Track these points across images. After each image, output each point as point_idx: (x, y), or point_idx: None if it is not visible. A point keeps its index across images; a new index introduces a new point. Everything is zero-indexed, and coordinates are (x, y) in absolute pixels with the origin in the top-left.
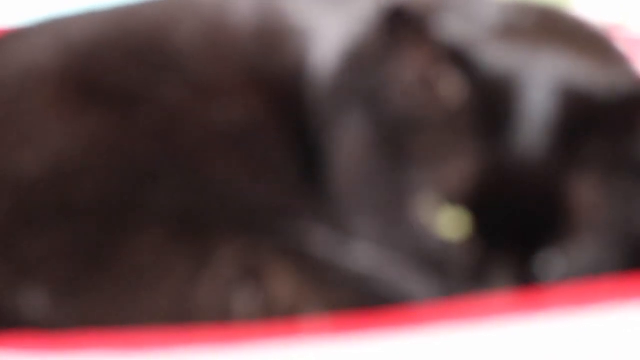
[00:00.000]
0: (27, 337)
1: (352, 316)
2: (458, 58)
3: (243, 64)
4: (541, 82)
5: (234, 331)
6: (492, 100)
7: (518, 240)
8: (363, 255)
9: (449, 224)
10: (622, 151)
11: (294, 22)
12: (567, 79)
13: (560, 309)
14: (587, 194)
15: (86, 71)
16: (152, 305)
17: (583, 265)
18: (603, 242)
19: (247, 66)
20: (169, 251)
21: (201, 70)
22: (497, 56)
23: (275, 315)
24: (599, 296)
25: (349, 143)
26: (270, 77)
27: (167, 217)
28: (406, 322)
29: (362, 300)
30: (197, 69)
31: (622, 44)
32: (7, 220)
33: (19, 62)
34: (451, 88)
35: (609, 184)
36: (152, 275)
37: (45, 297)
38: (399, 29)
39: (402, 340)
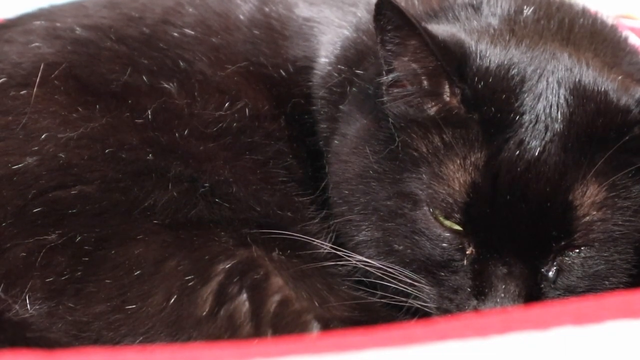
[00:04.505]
0: (22, 354)
1: (352, 332)
2: (459, 57)
3: (235, 59)
4: (549, 83)
5: (235, 346)
6: (493, 102)
7: (523, 251)
8: (358, 261)
9: (452, 232)
10: (633, 159)
11: (297, 17)
12: (577, 81)
13: (566, 326)
14: (591, 201)
15: (86, 64)
16: (147, 312)
17: (591, 274)
18: (611, 252)
19: (240, 62)
20: (167, 258)
21: (191, 65)
22: (501, 56)
23: (274, 324)
24: (604, 313)
25: (344, 144)
26: (265, 74)
27: (166, 222)
28: (406, 339)
29: (355, 308)
30: (188, 64)
31: (632, 35)
32: None
33: (15, 53)
34: (450, 88)
35: (616, 193)
36: (148, 282)
37: (38, 303)
38: (401, 23)
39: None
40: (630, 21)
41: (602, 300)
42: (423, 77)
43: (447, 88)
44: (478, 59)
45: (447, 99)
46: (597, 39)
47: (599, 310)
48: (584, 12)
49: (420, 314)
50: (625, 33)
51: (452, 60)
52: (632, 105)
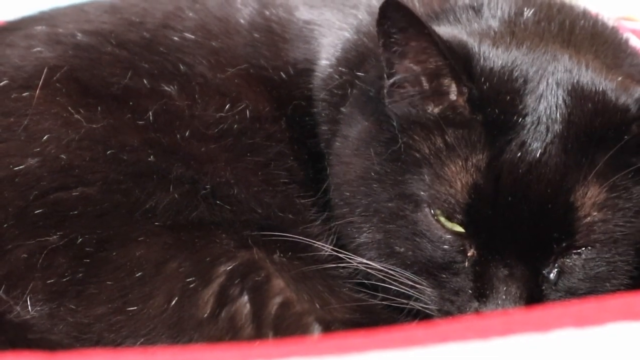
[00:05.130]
0: (24, 356)
1: (353, 334)
2: (463, 59)
3: (235, 62)
4: (550, 85)
5: (237, 348)
6: (495, 104)
7: (525, 253)
8: (359, 263)
9: (445, 233)
10: (634, 161)
11: (298, 20)
12: (577, 83)
13: (568, 328)
14: (592, 202)
15: (87, 67)
16: (149, 314)
17: (592, 275)
18: (612, 253)
19: (240, 64)
20: (168, 260)
21: (192, 68)
22: (503, 58)
23: (276, 326)
24: (606, 315)
25: (346, 146)
26: (266, 76)
27: (167, 224)
28: (408, 341)
29: (356, 310)
30: (188, 67)
31: (632, 37)
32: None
33: (17, 57)
34: (453, 89)
35: (616, 194)
36: (150, 284)
37: (39, 304)
38: (404, 24)
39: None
40: (631, 23)
41: (603, 302)
42: (427, 78)
43: (453, 87)
44: (482, 60)
45: (453, 98)
46: (598, 41)
47: (600, 312)
48: (585, 14)
49: (421, 316)
50: (626, 35)
51: (459, 60)
52: (631, 105)
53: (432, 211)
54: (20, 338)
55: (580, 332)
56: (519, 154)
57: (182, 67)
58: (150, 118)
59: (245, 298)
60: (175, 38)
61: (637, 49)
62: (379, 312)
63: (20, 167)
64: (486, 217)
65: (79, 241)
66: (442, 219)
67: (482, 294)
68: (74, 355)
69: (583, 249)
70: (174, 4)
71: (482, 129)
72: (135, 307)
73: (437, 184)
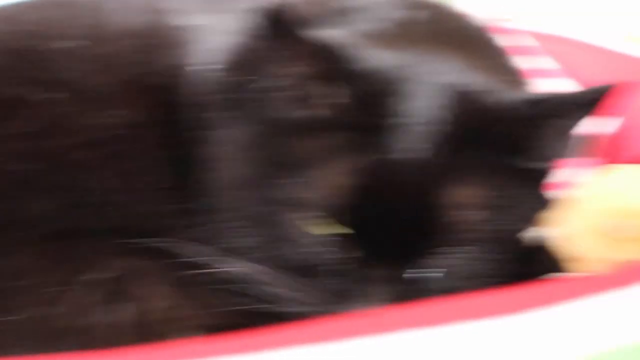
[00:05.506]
0: None
1: (229, 336)
2: (337, 61)
3: (123, 68)
4: (425, 86)
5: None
6: (372, 105)
7: (396, 251)
8: (240, 267)
9: (325, 235)
10: (505, 159)
11: (176, 25)
12: (451, 84)
13: (440, 324)
14: (467, 202)
15: None
16: (23, 325)
17: (460, 272)
18: (480, 251)
19: (128, 70)
20: (39, 269)
21: (80, 75)
22: (379, 59)
23: (149, 330)
24: (478, 311)
25: (226, 150)
26: (151, 82)
27: (40, 234)
28: (282, 341)
29: (238, 314)
30: (76, 73)
31: (506, 39)
32: None
33: None
34: (330, 92)
35: (490, 193)
36: (26, 294)
37: None
38: (278, 30)
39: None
40: (505, 22)
41: (457, 301)
42: (306, 82)
43: (332, 90)
44: (361, 62)
45: (332, 101)
46: (472, 41)
47: (449, 311)
48: (460, 14)
49: (301, 317)
50: (498, 35)
51: (338, 64)
52: (502, 104)
53: (310, 214)
54: None
55: (422, 333)
56: (396, 155)
57: (71, 74)
58: (35, 126)
59: (126, 305)
60: (62, 46)
61: (507, 47)
62: (259, 315)
63: None
64: (364, 219)
65: None
66: (320, 222)
67: (356, 294)
68: None
69: (461, 248)
70: (66, 12)
71: (360, 131)
72: (10, 318)
73: (316, 186)
